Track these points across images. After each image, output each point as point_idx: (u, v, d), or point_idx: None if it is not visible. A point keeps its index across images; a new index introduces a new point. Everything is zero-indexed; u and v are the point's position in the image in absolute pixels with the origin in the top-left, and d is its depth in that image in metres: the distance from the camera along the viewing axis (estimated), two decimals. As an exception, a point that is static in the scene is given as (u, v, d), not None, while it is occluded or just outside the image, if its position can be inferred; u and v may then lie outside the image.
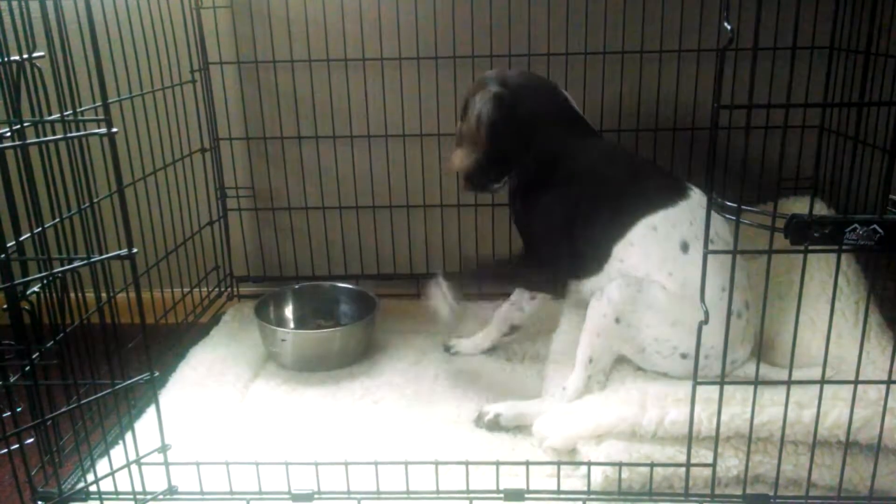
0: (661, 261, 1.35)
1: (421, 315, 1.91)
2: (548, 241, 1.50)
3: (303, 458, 1.19)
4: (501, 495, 1.15)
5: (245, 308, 1.99)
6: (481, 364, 1.70)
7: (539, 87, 1.53)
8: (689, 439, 1.14)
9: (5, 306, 1.06)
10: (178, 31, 1.79)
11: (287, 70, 1.90)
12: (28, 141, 1.03)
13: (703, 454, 1.18)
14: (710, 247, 1.32)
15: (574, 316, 1.65)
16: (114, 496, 1.17)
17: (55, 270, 1.07)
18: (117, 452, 1.18)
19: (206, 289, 1.97)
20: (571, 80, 1.84)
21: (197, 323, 1.89)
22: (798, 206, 1.69)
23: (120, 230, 1.09)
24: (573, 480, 1.26)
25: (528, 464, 1.16)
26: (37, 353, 1.11)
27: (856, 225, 0.95)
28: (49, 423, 1.13)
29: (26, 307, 1.08)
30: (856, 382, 1.07)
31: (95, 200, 1.14)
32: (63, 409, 1.13)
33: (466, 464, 1.16)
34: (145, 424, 1.32)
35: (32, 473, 1.13)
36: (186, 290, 1.88)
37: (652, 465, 1.18)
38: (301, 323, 1.85)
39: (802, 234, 0.97)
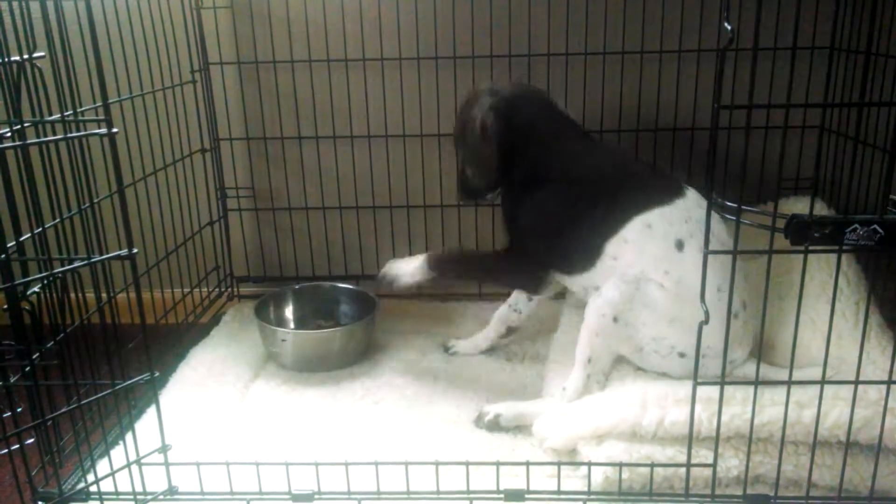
0: (656, 259, 1.35)
1: (421, 315, 1.92)
2: (530, 235, 1.52)
3: (303, 459, 1.19)
4: (502, 496, 1.15)
5: (245, 308, 1.99)
6: (481, 364, 1.70)
7: (530, 96, 1.55)
8: (690, 439, 1.14)
9: (6, 306, 1.06)
10: (178, 31, 1.79)
11: (287, 70, 1.90)
12: (28, 141, 1.03)
13: (704, 454, 1.18)
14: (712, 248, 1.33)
15: (574, 316, 1.65)
16: (114, 496, 1.17)
17: (55, 271, 1.07)
18: (117, 453, 1.18)
19: (206, 289, 1.97)
20: (571, 80, 1.84)
21: (197, 323, 1.89)
22: (798, 206, 1.69)
23: (120, 230, 1.09)
24: (573, 481, 1.26)
25: (528, 464, 1.16)
26: (37, 354, 1.11)
27: (856, 225, 0.95)
28: (49, 423, 1.13)
29: (27, 307, 1.08)
30: (856, 383, 1.08)
31: (96, 200, 1.14)
32: (63, 410, 1.13)
33: (467, 464, 1.16)
34: (145, 425, 1.32)
35: (33, 474, 1.13)
36: (187, 290, 1.88)
37: (652, 465, 1.18)
38: (301, 323, 1.85)
39: (803, 234, 0.97)
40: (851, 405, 1.09)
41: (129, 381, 1.13)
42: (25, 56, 1.03)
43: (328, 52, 1.86)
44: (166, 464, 1.17)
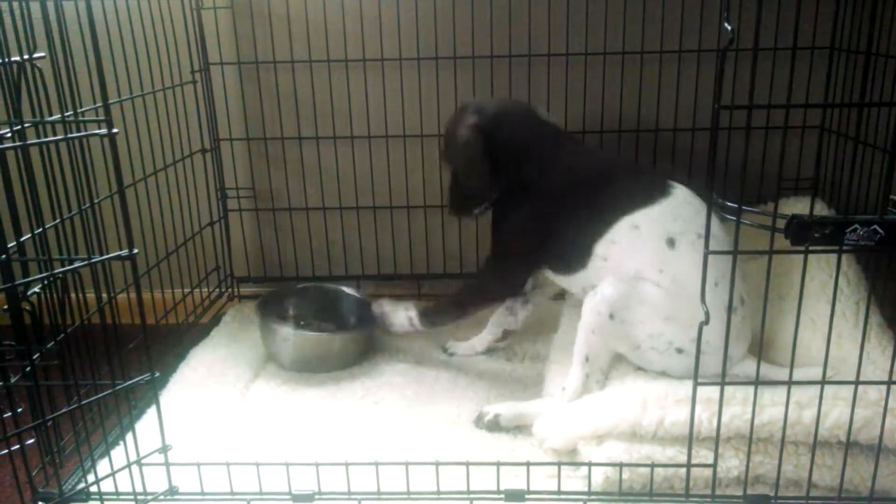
0: (649, 258, 1.36)
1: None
2: (513, 239, 1.55)
3: (303, 459, 1.19)
4: (502, 496, 1.15)
5: (245, 308, 1.99)
6: (481, 364, 1.70)
7: (514, 110, 1.58)
8: (690, 440, 1.14)
9: (6, 307, 1.06)
10: (178, 31, 1.79)
11: (287, 70, 1.90)
12: (29, 141, 1.03)
13: (704, 454, 1.18)
14: (701, 244, 1.33)
15: (574, 316, 1.64)
16: (114, 497, 1.17)
17: (56, 271, 1.07)
18: (118, 453, 1.18)
19: (206, 289, 1.97)
20: (572, 80, 1.84)
21: (197, 323, 1.89)
22: (798, 206, 1.69)
23: (120, 231, 1.09)
24: (574, 481, 1.26)
25: (528, 464, 1.16)
26: (37, 354, 1.11)
27: (856, 225, 0.95)
28: (50, 423, 1.13)
29: (27, 308, 1.08)
30: (856, 383, 1.08)
31: (96, 201, 1.14)
32: (64, 410, 1.13)
33: (467, 464, 1.16)
34: (146, 425, 1.32)
35: (33, 474, 1.13)
36: (187, 290, 1.88)
37: (652, 465, 1.18)
38: (302, 323, 1.85)
39: (803, 234, 0.97)
40: (852, 405, 1.09)
41: (130, 382, 1.13)
42: (26, 56, 1.04)
43: (328, 52, 1.86)
44: (167, 464, 1.17)
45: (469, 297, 1.67)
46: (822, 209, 1.72)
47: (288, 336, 1.69)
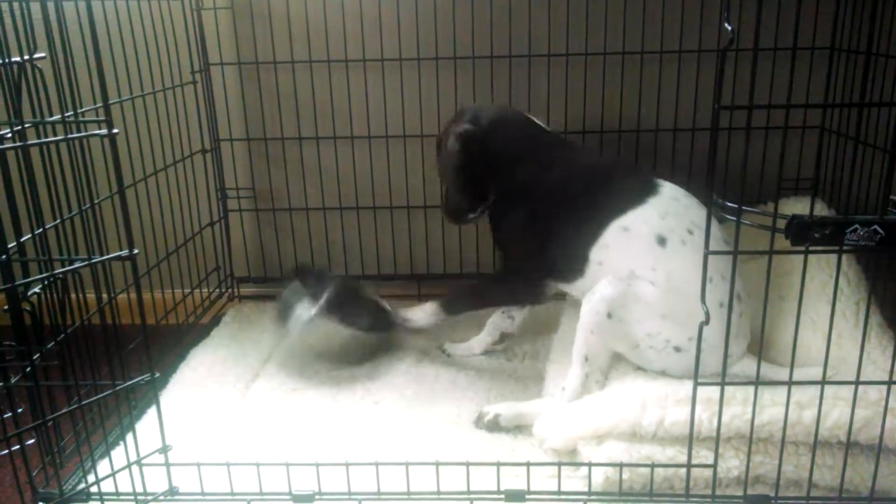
0: (641, 258, 1.37)
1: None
2: (520, 252, 1.56)
3: (303, 459, 1.19)
4: (502, 496, 1.15)
5: (245, 308, 1.99)
6: (481, 364, 1.70)
7: (509, 118, 1.59)
8: (690, 440, 1.14)
9: (6, 307, 1.06)
10: (178, 32, 1.79)
11: (287, 71, 1.90)
12: (29, 142, 1.03)
13: (704, 455, 1.18)
14: (696, 239, 1.34)
15: (573, 316, 1.65)
16: (115, 497, 1.17)
17: (56, 271, 1.07)
18: (118, 453, 1.18)
19: (206, 290, 1.97)
20: (572, 80, 1.84)
21: (197, 324, 1.90)
22: (799, 206, 1.69)
23: (121, 231, 1.09)
24: (574, 481, 1.26)
25: (528, 465, 1.16)
26: (38, 354, 1.11)
27: (856, 225, 0.95)
28: (50, 423, 1.13)
29: (27, 308, 1.08)
30: (856, 383, 1.08)
31: (96, 201, 1.14)
32: (64, 410, 1.13)
33: (467, 465, 1.16)
34: (146, 425, 1.32)
35: (33, 474, 1.13)
36: (187, 290, 1.88)
37: (653, 465, 1.18)
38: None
39: (803, 234, 0.97)
40: (852, 405, 1.09)
41: (130, 382, 1.13)
42: (26, 57, 1.04)
43: (328, 52, 1.87)
44: (167, 464, 1.17)
45: (493, 292, 1.67)
46: (822, 209, 1.72)
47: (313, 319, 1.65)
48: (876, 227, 0.95)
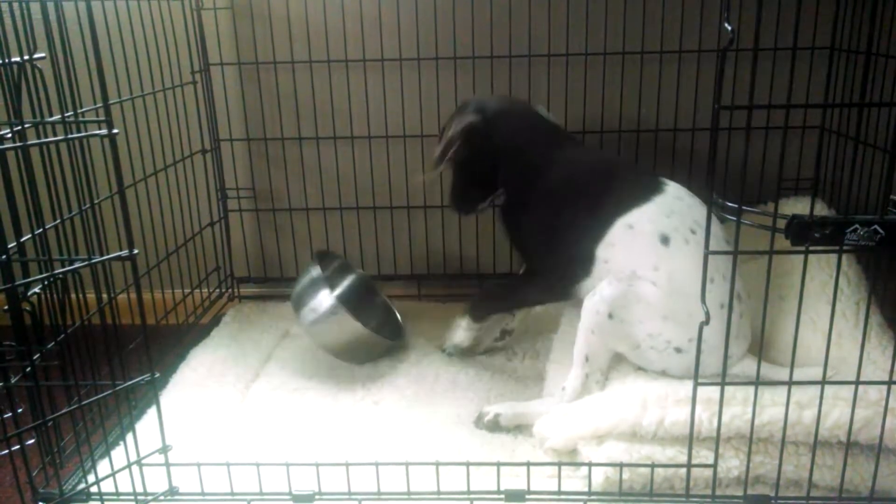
0: (644, 257, 1.36)
1: (421, 316, 1.92)
2: (540, 251, 1.54)
3: (303, 459, 1.19)
4: (502, 496, 1.15)
5: (245, 308, 2.00)
6: (481, 364, 1.70)
7: (515, 110, 1.58)
8: (690, 440, 1.14)
9: (6, 307, 1.06)
10: (178, 32, 1.79)
11: (287, 71, 1.90)
12: (29, 142, 1.03)
13: (704, 455, 1.18)
14: (699, 239, 1.33)
15: (574, 316, 1.64)
16: (115, 497, 1.17)
17: (56, 271, 1.07)
18: (118, 453, 1.18)
19: (206, 290, 1.97)
20: (572, 80, 1.84)
21: (197, 324, 1.90)
22: (799, 206, 1.69)
23: (121, 231, 1.09)
24: (574, 481, 1.26)
25: (528, 465, 1.16)
26: (38, 354, 1.11)
27: (856, 225, 0.95)
28: (50, 423, 1.13)
29: (27, 308, 1.08)
30: (856, 383, 1.08)
31: (96, 201, 1.14)
32: (64, 410, 1.13)
33: (467, 465, 1.16)
34: (146, 425, 1.32)
35: (33, 474, 1.13)
36: (187, 291, 1.88)
37: (653, 465, 1.18)
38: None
39: (803, 234, 0.97)
40: (852, 405, 1.09)
41: (130, 382, 1.13)
42: (26, 57, 1.04)
43: (328, 52, 1.87)
44: (167, 464, 1.17)
45: (527, 292, 1.66)
46: (822, 209, 1.72)
47: (337, 311, 1.63)
48: (876, 227, 0.95)
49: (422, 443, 1.41)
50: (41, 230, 1.09)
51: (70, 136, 1.05)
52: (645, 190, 1.42)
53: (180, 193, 1.83)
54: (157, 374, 1.14)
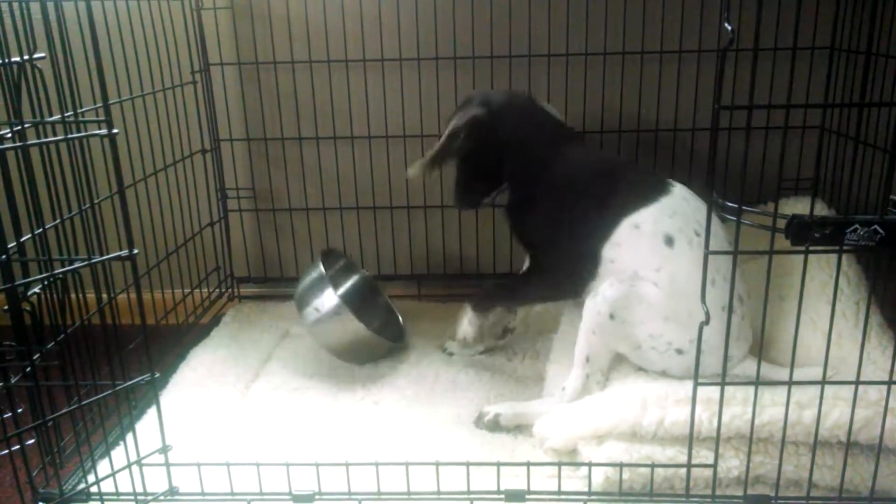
0: (648, 257, 1.36)
1: (421, 316, 1.92)
2: (549, 249, 1.53)
3: (303, 459, 1.19)
4: (502, 496, 1.15)
5: (245, 308, 2.00)
6: (482, 365, 1.70)
7: (520, 104, 1.57)
8: (690, 440, 1.14)
9: (6, 307, 1.06)
10: (178, 32, 1.79)
11: (287, 71, 1.90)
12: (29, 142, 1.03)
13: (704, 455, 1.18)
14: (700, 241, 1.33)
15: (574, 316, 1.64)
16: (115, 497, 1.17)
17: (56, 271, 1.07)
18: (118, 453, 1.18)
19: (206, 290, 1.97)
20: (572, 80, 1.84)
21: (197, 324, 1.90)
22: (799, 206, 1.69)
23: (121, 231, 1.09)
24: (574, 481, 1.26)
25: (528, 464, 1.16)
26: (38, 354, 1.11)
27: (856, 225, 0.95)
28: (50, 423, 1.13)
29: (27, 308, 1.08)
30: (856, 383, 1.08)
31: (96, 201, 1.14)
32: (64, 410, 1.13)
33: (467, 465, 1.16)
34: (146, 425, 1.32)
35: (33, 474, 1.13)
36: (187, 290, 1.88)
37: (653, 465, 1.18)
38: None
39: (803, 234, 0.97)
40: (852, 405, 1.09)
41: (130, 382, 1.13)
42: (26, 57, 1.04)
43: (328, 52, 1.87)
44: (167, 464, 1.17)
45: (533, 289, 1.63)
46: (822, 209, 1.72)
47: (341, 311, 1.63)
48: (876, 227, 0.95)
49: (422, 443, 1.41)
50: (41, 230, 1.09)
51: (70, 136, 1.05)
52: (652, 190, 1.41)
53: (180, 193, 1.83)
54: (157, 374, 1.14)
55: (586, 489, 1.19)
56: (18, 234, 1.05)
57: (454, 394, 1.58)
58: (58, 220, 1.14)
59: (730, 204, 1.01)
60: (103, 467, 1.16)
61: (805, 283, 1.04)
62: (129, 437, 1.16)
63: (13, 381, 1.08)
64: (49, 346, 1.15)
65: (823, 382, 1.08)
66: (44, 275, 1.07)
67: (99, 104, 1.05)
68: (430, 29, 1.85)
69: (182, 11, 1.80)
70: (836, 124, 1.79)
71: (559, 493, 1.16)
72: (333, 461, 1.17)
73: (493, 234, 1.99)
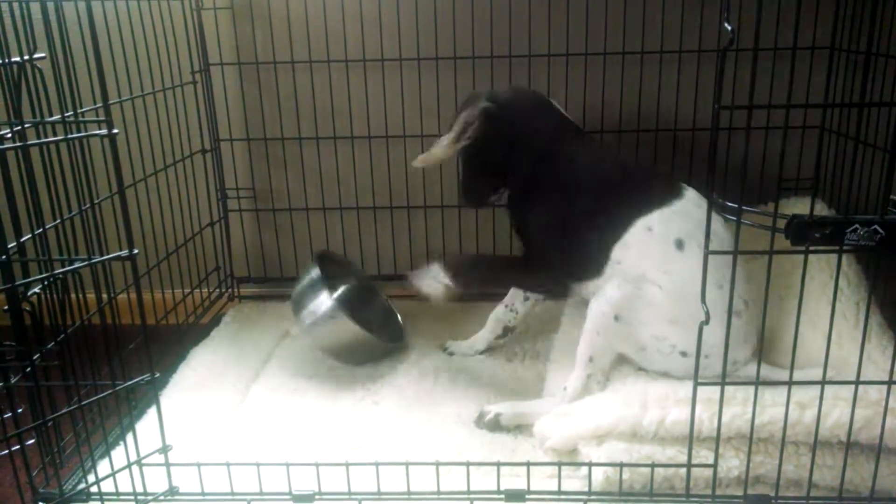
0: (658, 260, 1.36)
1: (421, 315, 1.92)
2: (545, 244, 1.52)
3: (304, 459, 1.19)
4: (502, 496, 1.15)
5: (245, 308, 2.00)
6: (482, 364, 1.70)
7: (528, 99, 1.56)
8: (690, 440, 1.14)
9: (6, 307, 1.06)
10: (178, 32, 1.79)
11: (287, 71, 1.90)
12: (29, 142, 1.03)
13: (704, 455, 1.18)
14: (712, 246, 1.33)
15: (575, 316, 1.65)
16: (115, 497, 1.17)
17: (56, 271, 1.07)
18: (118, 453, 1.18)
19: (206, 290, 1.97)
20: (572, 80, 1.84)
21: (198, 324, 1.90)
22: (799, 206, 1.69)
23: (121, 231, 1.09)
24: (574, 481, 1.26)
25: (528, 464, 1.16)
26: (38, 354, 1.11)
27: (856, 225, 0.95)
28: (50, 423, 1.13)
29: (27, 308, 1.08)
30: (857, 383, 1.08)
31: (96, 201, 1.14)
32: (64, 410, 1.13)
33: (467, 464, 1.16)
34: (146, 425, 1.32)
35: (33, 474, 1.13)
36: (187, 290, 1.88)
37: (653, 465, 1.18)
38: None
39: (803, 234, 0.97)
40: (852, 405, 1.09)
41: (130, 382, 1.13)
42: (26, 57, 1.04)
43: (328, 52, 1.87)
44: (167, 464, 1.17)
45: (516, 274, 1.62)
46: (822, 209, 1.72)
47: (336, 315, 1.63)
48: (876, 227, 0.95)
49: (422, 443, 1.41)
50: (41, 230, 1.09)
51: (70, 136, 1.05)
52: (666, 193, 1.41)
53: (180, 193, 1.83)
54: (157, 374, 1.14)
55: (586, 489, 1.19)
56: (18, 234, 1.05)
57: (454, 394, 1.58)
58: (58, 220, 1.14)
59: (730, 204, 1.01)
60: (103, 467, 1.16)
61: (805, 284, 1.04)
62: (129, 437, 1.16)
63: (13, 381, 1.08)
64: (49, 346, 1.15)
65: (823, 382, 1.08)
66: (44, 275, 1.07)
67: (99, 104, 1.05)
68: (430, 29, 1.85)
69: (182, 11, 1.80)
70: (836, 124, 1.79)
71: (559, 493, 1.16)
72: (333, 461, 1.17)
73: (494, 235, 1.99)
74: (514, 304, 1.70)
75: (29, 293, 1.08)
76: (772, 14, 1.65)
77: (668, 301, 1.33)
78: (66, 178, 1.10)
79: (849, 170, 1.70)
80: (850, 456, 1.13)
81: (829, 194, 1.81)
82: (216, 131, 1.95)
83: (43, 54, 1.04)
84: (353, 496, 1.16)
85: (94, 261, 1.08)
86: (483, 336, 1.74)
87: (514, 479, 1.18)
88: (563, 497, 1.17)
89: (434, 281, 1.60)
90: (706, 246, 1.05)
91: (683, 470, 1.16)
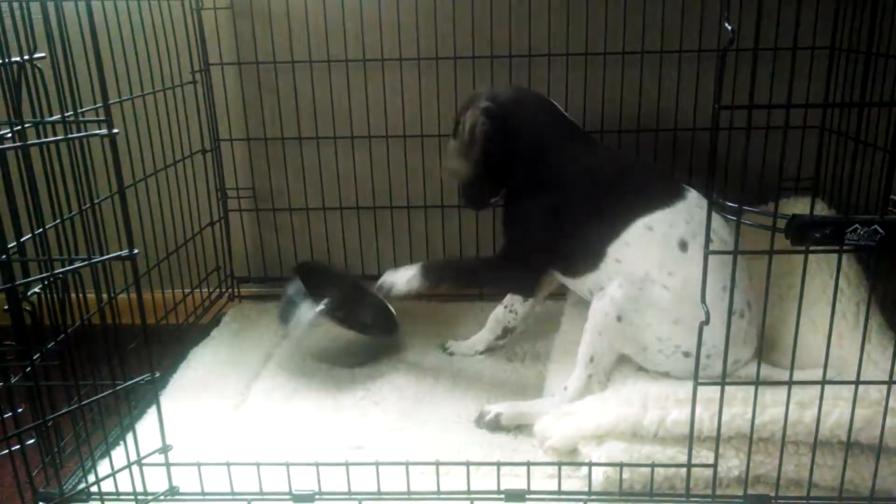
0: (661, 260, 1.36)
1: (421, 315, 1.92)
2: (528, 240, 1.53)
3: (304, 459, 1.19)
4: (502, 496, 1.15)
5: (245, 308, 1.99)
6: (482, 364, 1.70)
7: (529, 99, 1.56)
8: (690, 440, 1.14)
9: (6, 307, 1.06)
10: (178, 32, 1.79)
11: (288, 71, 1.90)
12: (29, 142, 1.03)
13: (705, 455, 1.18)
14: (713, 247, 1.33)
15: (575, 316, 1.65)
16: (115, 497, 1.17)
17: (56, 271, 1.07)
18: (118, 453, 1.19)
19: (206, 290, 1.97)
20: (572, 80, 1.84)
21: (198, 324, 1.90)
22: (799, 206, 1.69)
23: (121, 231, 1.09)
24: (574, 481, 1.26)
25: (528, 464, 1.16)
26: (38, 354, 1.11)
27: (857, 225, 0.95)
28: (50, 423, 1.13)
29: (27, 308, 1.08)
30: (857, 383, 1.08)
31: (96, 201, 1.14)
32: (64, 410, 1.13)
33: (467, 464, 1.16)
34: (146, 425, 1.32)
35: (34, 474, 1.13)
36: (187, 290, 1.88)
37: (653, 465, 1.18)
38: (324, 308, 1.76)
39: (803, 234, 0.97)
40: (852, 405, 1.09)
41: (130, 382, 1.13)
42: (26, 57, 1.04)
43: (328, 52, 1.87)
44: (167, 464, 1.17)
45: (486, 273, 1.64)
46: (822, 209, 1.72)
47: (320, 322, 1.63)
48: (876, 227, 0.95)
49: (422, 442, 1.41)
50: (41, 230, 1.09)
51: (70, 135, 1.05)
52: (668, 194, 1.41)
53: (180, 193, 1.83)
54: (157, 374, 1.14)
55: (586, 489, 1.19)
56: (18, 234, 1.05)
57: (454, 394, 1.58)
58: (58, 220, 1.14)
59: (730, 204, 1.01)
60: (103, 467, 1.16)
61: (805, 284, 1.04)
62: (129, 436, 1.16)
63: (13, 381, 1.08)
64: (49, 346, 1.15)
65: (824, 382, 1.08)
66: (44, 275, 1.07)
67: (99, 104, 1.05)
68: (430, 29, 1.85)
69: (182, 11, 1.80)
70: (836, 124, 1.79)
71: (559, 492, 1.16)
72: (333, 461, 1.17)
73: (493, 235, 1.99)
74: (514, 305, 1.70)
75: (29, 293, 1.08)
76: (772, 14, 1.65)
77: (672, 302, 1.33)
78: (66, 178, 1.10)
79: (849, 170, 1.70)
80: (850, 456, 1.13)
81: (829, 194, 1.81)
82: (216, 131, 1.95)
83: (43, 54, 1.04)
84: (353, 496, 1.16)
85: (94, 261, 1.08)
86: (483, 337, 1.74)
87: (514, 479, 1.18)
88: (563, 497, 1.17)
89: (405, 277, 1.61)
90: (706, 246, 1.05)
91: (683, 470, 1.16)
